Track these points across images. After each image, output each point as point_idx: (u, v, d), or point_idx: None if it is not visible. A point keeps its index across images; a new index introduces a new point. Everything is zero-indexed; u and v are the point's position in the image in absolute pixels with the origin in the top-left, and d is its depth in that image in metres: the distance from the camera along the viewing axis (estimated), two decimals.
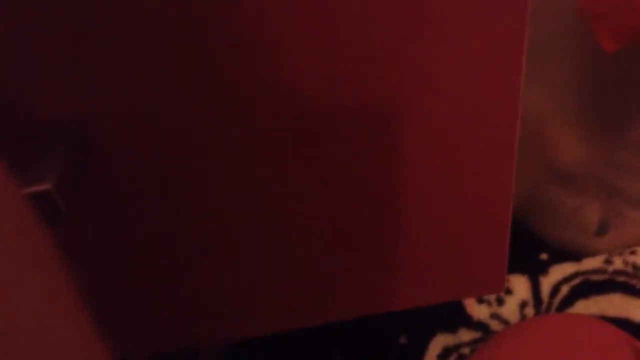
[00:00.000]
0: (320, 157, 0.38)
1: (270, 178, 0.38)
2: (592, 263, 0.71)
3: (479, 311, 0.69)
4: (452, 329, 0.69)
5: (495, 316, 0.69)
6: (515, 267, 0.73)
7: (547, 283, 0.71)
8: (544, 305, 0.69)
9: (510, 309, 0.69)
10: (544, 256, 0.74)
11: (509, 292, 0.70)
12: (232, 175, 0.38)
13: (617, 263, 0.71)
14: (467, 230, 0.44)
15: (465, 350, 0.66)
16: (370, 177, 0.39)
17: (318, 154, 0.38)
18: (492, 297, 0.70)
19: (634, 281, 0.69)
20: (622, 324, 0.67)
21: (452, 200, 0.41)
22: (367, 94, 0.35)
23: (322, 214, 0.41)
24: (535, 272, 0.72)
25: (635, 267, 0.70)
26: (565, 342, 0.49)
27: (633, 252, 0.72)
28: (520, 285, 0.71)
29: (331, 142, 0.37)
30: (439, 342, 0.68)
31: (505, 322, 0.68)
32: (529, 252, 0.75)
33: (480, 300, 0.70)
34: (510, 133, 0.39)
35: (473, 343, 0.67)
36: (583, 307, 0.68)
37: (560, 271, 0.72)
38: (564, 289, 0.70)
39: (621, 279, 0.70)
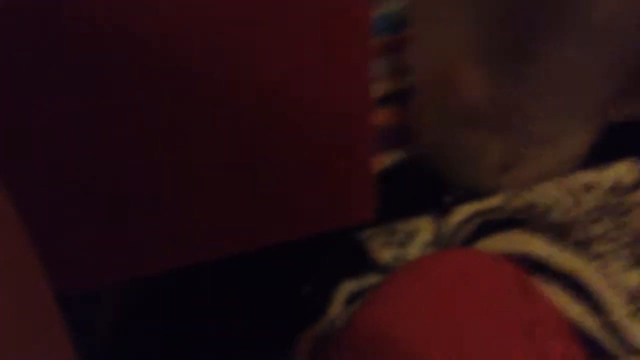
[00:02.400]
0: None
1: None
2: (492, 202, 0.72)
3: (384, 255, 0.69)
4: (357, 274, 0.68)
5: (400, 258, 0.69)
6: (420, 209, 0.73)
7: (449, 223, 0.71)
8: (447, 245, 0.69)
9: (414, 252, 0.69)
10: (448, 198, 0.74)
11: (411, 235, 0.70)
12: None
13: (516, 201, 0.72)
14: (329, 159, 0.42)
15: None
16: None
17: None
18: (395, 240, 0.70)
19: (532, 217, 0.71)
20: (523, 259, 0.68)
21: (309, 129, 0.40)
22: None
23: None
24: (438, 213, 0.72)
25: (532, 204, 0.72)
26: (455, 276, 0.50)
27: (531, 190, 0.73)
28: (423, 227, 0.71)
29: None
30: (345, 288, 0.67)
31: None
32: (434, 194, 0.75)
33: (385, 244, 0.69)
34: (362, 52, 0.37)
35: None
36: (484, 245, 0.69)
37: (462, 211, 0.72)
38: (466, 228, 0.70)
39: (520, 216, 0.71)
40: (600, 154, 0.74)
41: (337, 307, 0.66)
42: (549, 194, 0.73)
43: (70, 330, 0.28)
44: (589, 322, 0.65)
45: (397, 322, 0.49)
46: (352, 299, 0.67)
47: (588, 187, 0.73)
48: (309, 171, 0.44)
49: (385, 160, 0.79)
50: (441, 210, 0.73)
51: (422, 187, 0.76)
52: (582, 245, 0.69)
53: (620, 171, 0.74)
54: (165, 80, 0.35)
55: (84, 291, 0.45)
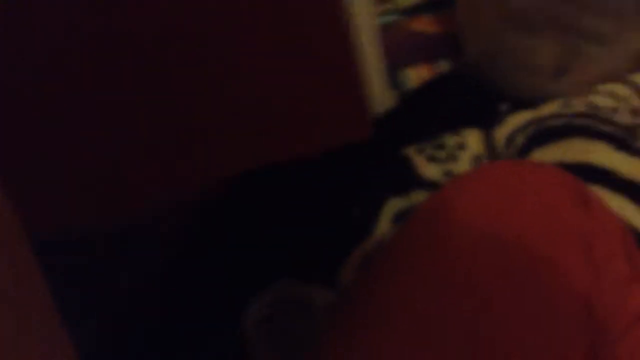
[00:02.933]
0: None
1: None
2: (549, 108, 0.66)
3: (430, 171, 0.65)
4: (403, 192, 0.65)
5: (448, 174, 0.65)
6: (470, 120, 0.68)
7: (501, 134, 0.66)
8: (500, 158, 0.65)
9: (463, 165, 0.65)
10: (502, 107, 0.69)
11: (461, 147, 0.66)
12: None
13: (577, 105, 0.66)
14: (320, 79, 0.40)
15: None
16: None
17: None
18: (443, 155, 0.66)
19: (594, 122, 0.65)
20: (583, 169, 0.63)
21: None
22: None
23: None
24: (488, 124, 0.67)
25: (595, 107, 0.66)
26: (507, 187, 0.46)
27: (594, 92, 0.67)
28: (473, 139, 0.66)
29: None
30: (391, 207, 0.65)
31: None
32: (485, 105, 0.70)
33: (431, 159, 0.66)
34: None
35: None
36: (540, 155, 0.64)
37: (515, 120, 0.67)
38: (520, 138, 0.66)
39: (580, 121, 0.65)
40: None
41: (384, 226, 0.63)
42: (614, 94, 0.66)
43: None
44: None
45: (448, 235, 0.47)
46: (399, 217, 0.64)
47: None
48: (299, 93, 0.42)
49: (430, 71, 0.75)
50: (493, 121, 0.68)
51: (470, 99, 0.71)
52: None
53: None
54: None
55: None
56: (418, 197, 0.64)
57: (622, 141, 0.64)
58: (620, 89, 0.66)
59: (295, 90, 0.40)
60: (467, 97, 0.71)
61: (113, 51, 0.37)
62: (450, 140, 0.67)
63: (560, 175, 0.49)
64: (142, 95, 0.38)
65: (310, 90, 0.40)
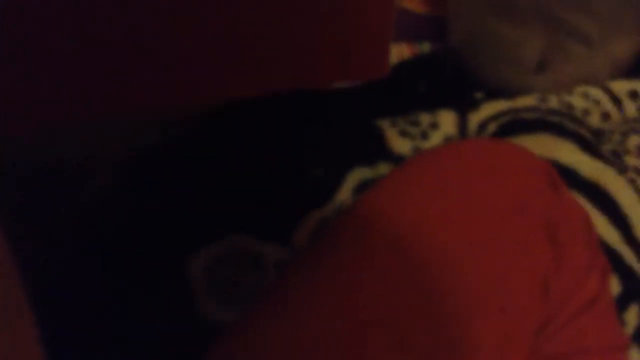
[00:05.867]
0: None
1: None
2: (525, 101, 0.67)
3: (400, 145, 0.65)
4: (371, 162, 0.64)
5: (417, 150, 0.65)
6: (446, 102, 0.68)
7: (475, 119, 0.66)
8: None
9: (433, 144, 0.65)
10: (479, 95, 0.69)
11: (434, 126, 0.66)
12: None
13: (552, 102, 0.67)
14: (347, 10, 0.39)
15: None
16: None
17: None
18: (415, 131, 0.65)
19: (566, 121, 0.66)
20: (551, 163, 0.64)
21: None
22: None
23: None
24: (463, 109, 0.67)
25: (569, 106, 0.66)
26: (479, 162, 0.45)
27: (570, 92, 0.67)
28: (447, 120, 0.66)
29: None
30: (356, 175, 0.64)
31: None
32: (464, 89, 0.70)
33: (403, 134, 0.65)
34: None
35: None
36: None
37: (490, 108, 0.67)
38: (492, 126, 0.66)
39: (553, 118, 0.66)
40: None
41: (345, 193, 0.62)
42: (590, 96, 0.67)
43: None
44: (610, 234, 0.61)
45: (405, 212, 0.46)
46: (362, 186, 0.63)
47: (633, 94, 0.68)
48: (327, 24, 0.40)
49: (410, 50, 0.74)
50: (468, 105, 0.68)
51: (451, 82, 0.71)
52: (615, 156, 0.65)
53: None
54: None
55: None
56: (384, 169, 0.64)
57: (589, 143, 0.65)
58: (594, 92, 0.67)
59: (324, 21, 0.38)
60: (445, 79, 0.70)
61: None
62: (425, 118, 0.66)
63: (533, 157, 0.49)
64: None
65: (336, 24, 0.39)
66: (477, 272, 0.40)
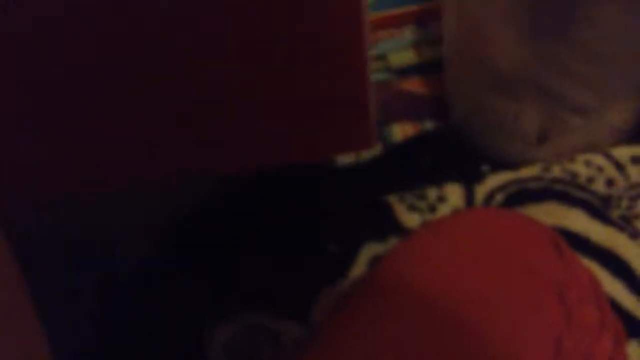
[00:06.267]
0: None
1: None
2: (529, 171, 0.68)
3: (410, 219, 0.66)
4: (382, 237, 0.65)
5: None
6: (452, 176, 0.70)
7: (482, 191, 0.68)
8: None
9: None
10: (484, 168, 0.71)
11: (441, 199, 0.67)
12: None
13: (556, 171, 0.68)
14: (323, 85, 0.41)
15: None
16: None
17: None
18: (423, 205, 0.67)
19: (571, 189, 0.67)
20: (559, 233, 0.65)
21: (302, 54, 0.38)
22: None
23: None
24: (471, 181, 0.69)
25: (573, 174, 0.68)
26: (484, 233, 0.47)
27: (572, 160, 0.69)
28: (454, 193, 0.67)
29: None
30: (368, 251, 0.65)
31: None
32: (468, 164, 0.72)
33: (412, 208, 0.67)
34: None
35: None
36: None
37: (496, 179, 0.68)
38: (499, 197, 0.67)
39: (559, 187, 0.67)
40: None
41: (359, 268, 0.63)
42: (593, 164, 0.69)
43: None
44: (628, 300, 0.60)
45: (422, 275, 0.46)
46: (374, 262, 0.64)
47: (636, 160, 0.69)
48: (306, 100, 0.42)
49: (415, 129, 0.77)
50: (474, 178, 0.69)
51: (455, 157, 0.73)
52: (625, 221, 0.65)
53: None
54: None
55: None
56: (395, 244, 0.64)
57: (597, 209, 0.66)
58: (597, 159, 0.69)
59: (301, 91, 0.40)
60: (450, 154, 0.72)
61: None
62: (432, 192, 0.68)
63: (536, 224, 0.50)
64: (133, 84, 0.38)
65: (317, 93, 0.41)
66: (493, 331, 0.40)
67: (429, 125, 0.78)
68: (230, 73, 0.38)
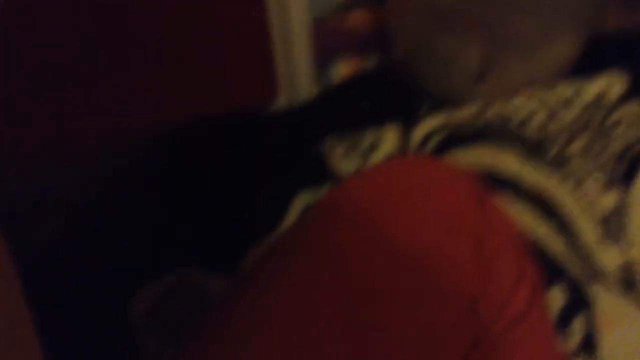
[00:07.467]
0: None
1: None
2: (464, 113, 0.67)
3: (344, 165, 0.65)
4: (315, 186, 0.64)
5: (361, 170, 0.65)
6: (389, 118, 0.68)
7: (417, 134, 0.67)
8: None
9: (376, 163, 0.65)
10: (422, 106, 0.70)
11: (374, 147, 0.66)
12: None
13: (490, 114, 0.67)
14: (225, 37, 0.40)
15: None
16: None
17: None
18: (358, 151, 0.66)
19: (505, 132, 0.66)
20: (490, 175, 0.64)
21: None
22: None
23: None
24: (407, 124, 0.68)
25: (507, 118, 0.67)
26: (406, 185, 0.46)
27: (506, 104, 0.68)
28: (389, 138, 0.66)
29: None
30: (301, 201, 0.64)
31: None
32: (405, 104, 0.70)
33: (346, 156, 0.66)
34: None
35: None
36: (451, 158, 0.65)
37: (430, 122, 0.67)
38: (433, 141, 0.66)
39: (493, 130, 0.66)
40: (586, 69, 0.69)
41: (292, 219, 0.63)
42: (525, 108, 0.68)
43: None
44: (554, 243, 0.61)
45: (336, 230, 0.46)
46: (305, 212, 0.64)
47: (567, 102, 0.68)
48: (209, 53, 0.42)
49: (357, 65, 0.75)
50: (411, 120, 0.68)
51: (393, 96, 0.71)
52: (557, 163, 0.65)
53: (604, 84, 0.68)
54: None
55: None
56: None
57: (529, 152, 0.65)
58: (530, 104, 0.68)
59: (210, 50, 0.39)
60: (388, 94, 0.71)
61: None
62: (368, 137, 0.67)
63: (461, 175, 0.50)
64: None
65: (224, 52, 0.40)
66: (405, 290, 0.41)
67: (373, 61, 0.76)
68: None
